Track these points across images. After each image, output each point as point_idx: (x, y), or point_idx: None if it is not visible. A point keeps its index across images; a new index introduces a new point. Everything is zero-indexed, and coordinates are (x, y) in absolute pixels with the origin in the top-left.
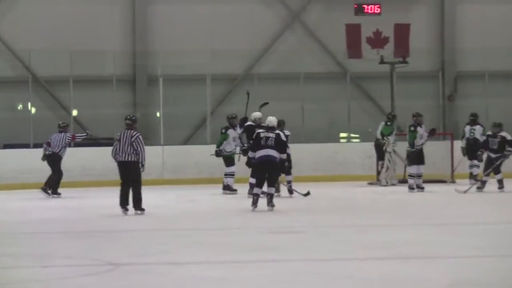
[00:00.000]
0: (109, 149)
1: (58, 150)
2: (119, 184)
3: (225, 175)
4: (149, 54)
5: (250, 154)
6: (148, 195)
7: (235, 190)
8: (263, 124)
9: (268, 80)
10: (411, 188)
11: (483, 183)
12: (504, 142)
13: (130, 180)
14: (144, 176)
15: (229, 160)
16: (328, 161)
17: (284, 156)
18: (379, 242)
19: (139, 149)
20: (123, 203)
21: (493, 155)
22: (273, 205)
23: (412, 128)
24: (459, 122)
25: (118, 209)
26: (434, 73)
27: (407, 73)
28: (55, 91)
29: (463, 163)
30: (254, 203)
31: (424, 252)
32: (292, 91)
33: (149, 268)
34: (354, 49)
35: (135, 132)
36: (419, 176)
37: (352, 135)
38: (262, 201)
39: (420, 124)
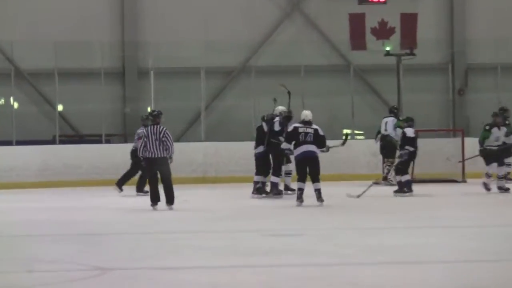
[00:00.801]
0: (96, 147)
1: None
2: (106, 183)
3: (286, 174)
4: (140, 45)
5: (285, 145)
6: (139, 196)
7: (294, 189)
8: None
9: (266, 73)
10: (487, 188)
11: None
12: None
13: (162, 176)
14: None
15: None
16: (330, 159)
17: (324, 149)
18: (385, 246)
19: (168, 143)
20: (155, 199)
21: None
22: (322, 200)
23: (487, 127)
24: (470, 118)
25: (107, 211)
26: (443, 65)
27: (415, 66)
28: (39, 85)
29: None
30: (299, 198)
31: (430, 256)
32: (291, 85)
33: (139, 273)
34: (357, 40)
35: (162, 127)
36: (501, 177)
37: (356, 131)
38: (259, 202)
39: (498, 125)
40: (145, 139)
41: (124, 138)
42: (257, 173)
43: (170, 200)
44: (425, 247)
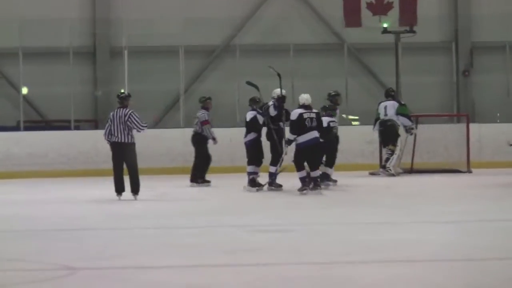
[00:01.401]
0: (64, 134)
1: (200, 130)
2: (75, 174)
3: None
4: (112, 22)
5: (291, 136)
6: (110, 187)
7: (336, 180)
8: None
9: (252, 53)
10: None
11: None
12: None
13: (126, 164)
14: (104, 165)
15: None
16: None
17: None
18: (382, 242)
19: (134, 126)
20: (119, 189)
21: None
22: (321, 187)
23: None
24: (475, 102)
25: (77, 204)
26: (446, 44)
27: (415, 45)
28: (2, 66)
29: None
30: (306, 185)
31: (431, 254)
32: (280, 66)
33: (110, 273)
34: (352, 17)
35: (128, 110)
36: None
37: (351, 117)
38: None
39: None
40: (109, 122)
41: (95, 124)
42: (250, 163)
43: (135, 189)
44: (425, 243)
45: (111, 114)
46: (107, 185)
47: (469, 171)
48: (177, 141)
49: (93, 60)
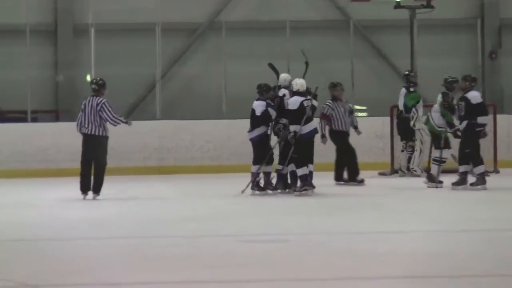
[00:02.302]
0: (20, 127)
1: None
2: (34, 174)
3: (433, 160)
4: None
5: (296, 128)
6: (74, 189)
7: (441, 182)
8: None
9: (241, 31)
10: None
11: None
12: None
13: (94, 158)
14: (67, 163)
15: (439, 139)
16: (320, 143)
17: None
18: (393, 255)
19: (107, 117)
20: (84, 188)
21: None
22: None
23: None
24: (504, 89)
25: (36, 209)
26: (470, 21)
27: (433, 22)
28: None
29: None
30: (311, 185)
31: (451, 269)
32: (274, 46)
33: None
34: None
35: (100, 99)
36: None
37: (357, 106)
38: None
39: None
40: (81, 112)
41: (55, 115)
42: (256, 162)
43: (97, 188)
44: (444, 256)
45: (84, 102)
46: (71, 187)
47: (496, 171)
48: (152, 135)
49: (54, 39)
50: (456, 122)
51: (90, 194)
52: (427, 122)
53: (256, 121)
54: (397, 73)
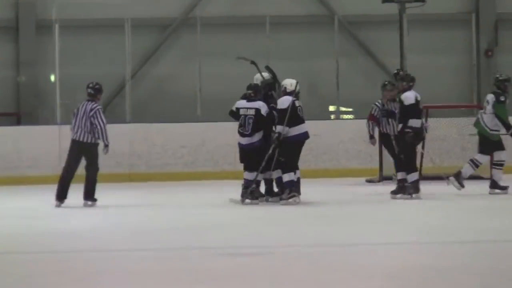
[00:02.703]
0: None
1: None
2: None
3: (494, 165)
4: None
5: (279, 128)
6: (39, 199)
7: (506, 187)
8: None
9: (217, 27)
10: None
11: None
12: None
13: (86, 167)
14: (29, 170)
15: (490, 143)
16: (306, 148)
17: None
18: (382, 268)
19: (97, 125)
20: (61, 194)
21: None
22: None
23: (502, 98)
24: None
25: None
26: (464, 16)
27: (424, 17)
28: None
29: None
30: (298, 192)
31: (444, 282)
32: (253, 43)
33: None
34: None
35: (95, 105)
36: None
37: (343, 108)
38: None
39: None
40: (73, 117)
41: (17, 118)
42: (249, 169)
43: (89, 194)
44: (437, 269)
45: (78, 107)
46: (34, 195)
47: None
48: (122, 140)
49: (15, 36)
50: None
51: (68, 202)
52: (476, 124)
53: (261, 123)
54: (385, 72)
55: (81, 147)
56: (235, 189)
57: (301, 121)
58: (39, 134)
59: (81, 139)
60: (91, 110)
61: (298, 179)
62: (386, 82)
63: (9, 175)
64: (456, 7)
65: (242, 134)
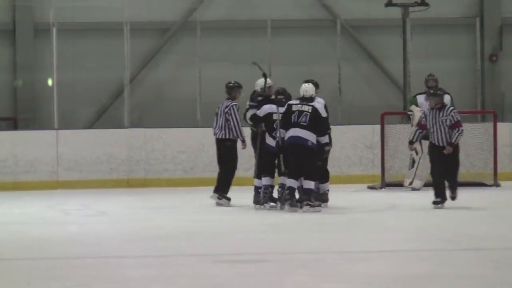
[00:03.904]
0: None
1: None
2: None
3: None
4: None
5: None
6: (35, 205)
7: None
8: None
9: (217, 31)
10: None
11: None
12: None
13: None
14: (25, 175)
15: None
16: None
17: (324, 139)
18: (382, 277)
19: (231, 121)
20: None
21: None
22: (314, 205)
23: None
24: (505, 94)
25: None
26: (468, 20)
27: (428, 21)
28: None
29: None
30: (291, 200)
31: None
32: (254, 48)
33: None
34: None
35: (230, 102)
36: None
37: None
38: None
39: None
40: (215, 117)
41: (14, 123)
42: (266, 175)
43: (217, 189)
44: (438, 278)
45: (218, 106)
46: (29, 201)
47: (497, 185)
48: (120, 145)
49: (12, 40)
50: None
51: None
52: None
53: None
54: (388, 77)
55: (219, 145)
56: (235, 195)
57: (292, 125)
58: (36, 139)
59: (219, 137)
60: (226, 107)
61: (272, 186)
62: (432, 91)
63: (5, 181)
64: (460, 11)
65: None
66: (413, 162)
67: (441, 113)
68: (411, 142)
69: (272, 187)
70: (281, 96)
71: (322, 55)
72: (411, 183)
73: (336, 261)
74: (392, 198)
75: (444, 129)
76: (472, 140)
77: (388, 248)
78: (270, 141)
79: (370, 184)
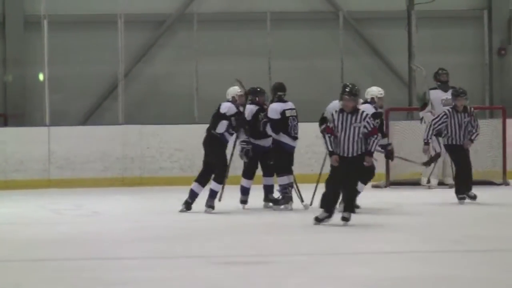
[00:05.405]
0: None
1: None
2: None
3: None
4: None
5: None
6: (26, 204)
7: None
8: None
9: (215, 24)
10: None
11: None
12: None
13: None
14: (15, 174)
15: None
16: (310, 151)
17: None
18: (385, 279)
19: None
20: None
21: None
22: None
23: None
24: None
25: None
26: (475, 13)
27: (434, 14)
28: None
29: None
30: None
31: None
32: (252, 41)
33: None
34: None
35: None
36: None
37: None
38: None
39: None
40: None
41: (4, 119)
42: (283, 173)
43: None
44: (443, 281)
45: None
46: (21, 201)
47: (506, 183)
48: (114, 143)
49: (2, 33)
50: None
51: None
52: None
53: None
54: (392, 71)
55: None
56: (233, 194)
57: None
58: (27, 136)
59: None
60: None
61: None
62: (461, 90)
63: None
64: (467, 3)
65: (294, 138)
66: (431, 160)
67: (465, 114)
68: (426, 143)
69: (291, 185)
70: (281, 93)
71: (323, 48)
72: (428, 181)
73: (336, 262)
74: (397, 197)
75: (466, 128)
76: (481, 137)
77: (392, 249)
78: (287, 139)
79: (375, 183)
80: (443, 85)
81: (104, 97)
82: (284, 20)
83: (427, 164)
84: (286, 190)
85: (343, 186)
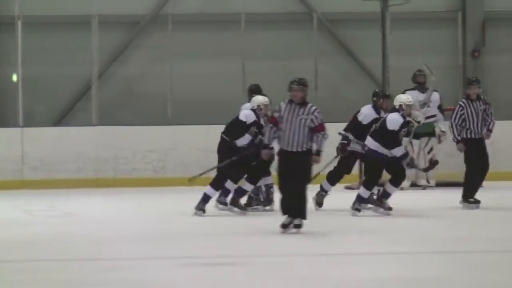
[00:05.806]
0: None
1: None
2: None
3: None
4: None
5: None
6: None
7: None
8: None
9: (189, 25)
10: None
11: None
12: None
13: None
14: None
15: None
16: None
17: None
18: (371, 281)
19: None
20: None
21: None
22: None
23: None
24: (488, 90)
25: None
26: (449, 14)
27: (408, 15)
28: None
29: None
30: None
31: None
32: (227, 42)
33: None
34: None
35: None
36: None
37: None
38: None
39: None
40: None
41: None
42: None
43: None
44: (431, 282)
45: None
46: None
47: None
48: (88, 144)
49: None
50: None
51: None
52: None
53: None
54: (366, 73)
55: None
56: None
57: None
58: (0, 136)
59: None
60: None
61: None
62: (474, 78)
63: None
64: (441, 5)
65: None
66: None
67: (480, 103)
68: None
69: (272, 186)
70: (257, 95)
71: (298, 50)
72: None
73: (314, 264)
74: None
75: (483, 119)
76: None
77: (369, 251)
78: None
79: (348, 184)
80: (420, 86)
81: (78, 98)
82: (258, 21)
83: (427, 170)
84: (269, 191)
85: (288, 187)
